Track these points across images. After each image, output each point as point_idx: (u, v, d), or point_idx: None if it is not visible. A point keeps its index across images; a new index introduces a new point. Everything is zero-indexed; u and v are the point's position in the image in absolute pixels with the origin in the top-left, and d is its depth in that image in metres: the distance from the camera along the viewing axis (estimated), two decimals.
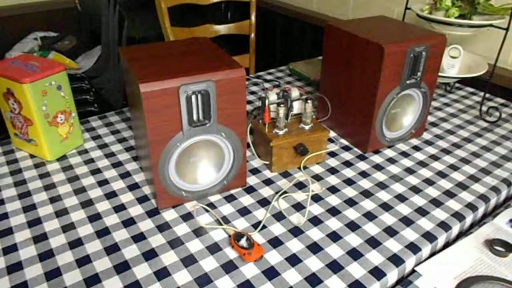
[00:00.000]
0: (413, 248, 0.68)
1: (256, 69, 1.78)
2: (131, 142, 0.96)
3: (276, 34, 2.34)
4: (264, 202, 0.78)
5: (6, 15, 2.02)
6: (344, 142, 0.98)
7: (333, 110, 1.00)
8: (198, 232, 0.71)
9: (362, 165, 0.90)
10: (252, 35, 1.70)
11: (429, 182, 0.85)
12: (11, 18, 2.04)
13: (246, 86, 1.27)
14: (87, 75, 1.84)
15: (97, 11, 1.94)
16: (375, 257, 0.66)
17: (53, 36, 2.03)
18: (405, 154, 0.94)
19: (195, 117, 0.69)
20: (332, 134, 1.02)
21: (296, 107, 0.89)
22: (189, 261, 0.65)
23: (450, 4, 1.06)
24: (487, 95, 1.24)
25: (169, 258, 0.65)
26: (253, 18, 1.67)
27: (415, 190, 0.82)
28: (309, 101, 0.85)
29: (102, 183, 0.82)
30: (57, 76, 0.84)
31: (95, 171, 0.86)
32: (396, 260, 0.66)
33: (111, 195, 0.79)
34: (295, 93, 0.88)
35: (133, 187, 0.81)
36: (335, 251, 0.67)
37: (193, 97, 0.66)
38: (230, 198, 0.79)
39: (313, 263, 0.65)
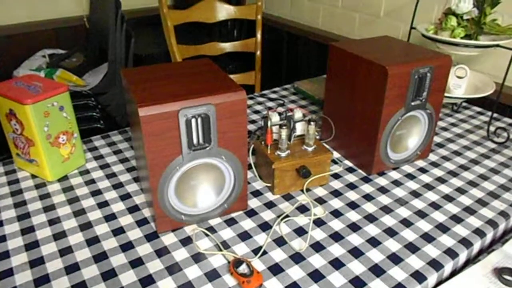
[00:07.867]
0: (419, 276, 0.66)
1: (262, 86, 1.78)
2: (133, 163, 0.95)
3: (282, 51, 2.34)
4: (265, 226, 0.76)
5: (15, 33, 2.06)
6: (348, 163, 0.97)
7: (337, 130, 0.99)
8: (197, 257, 0.69)
9: (367, 188, 0.88)
10: (258, 52, 1.71)
11: (435, 206, 0.83)
12: (20, 36, 2.07)
13: (250, 105, 1.27)
14: (94, 92, 1.85)
15: (105, 29, 1.96)
16: (379, 287, 0.64)
17: (61, 53, 2.05)
18: (410, 176, 0.92)
19: (195, 141, 0.68)
20: (336, 155, 1.00)
21: (299, 128, 0.88)
22: None
23: (456, 24, 1.05)
24: (495, 115, 1.22)
25: (166, 285, 0.64)
26: (259, 36, 1.68)
27: (421, 214, 0.80)
28: (312, 122, 0.84)
29: (102, 205, 0.81)
30: (59, 97, 0.84)
31: (96, 192, 0.85)
32: None
33: (110, 217, 0.78)
34: (298, 114, 0.87)
35: (133, 209, 0.80)
36: (337, 279, 0.65)
37: (193, 120, 0.66)
38: (231, 222, 0.77)
39: None
